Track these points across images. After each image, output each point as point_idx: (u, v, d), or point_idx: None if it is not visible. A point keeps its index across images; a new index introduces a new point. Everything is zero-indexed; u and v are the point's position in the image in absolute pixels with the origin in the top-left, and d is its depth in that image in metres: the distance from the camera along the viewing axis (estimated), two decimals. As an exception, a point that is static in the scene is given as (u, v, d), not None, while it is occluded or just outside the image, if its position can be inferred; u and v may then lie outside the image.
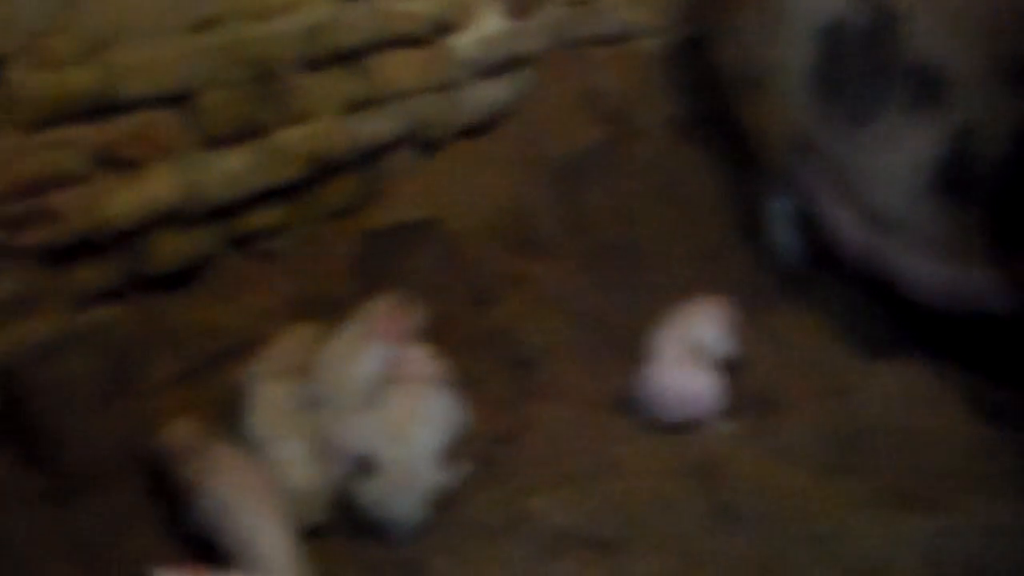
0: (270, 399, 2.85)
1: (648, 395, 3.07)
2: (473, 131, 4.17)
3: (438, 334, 3.30)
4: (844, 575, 2.49)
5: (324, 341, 3.11)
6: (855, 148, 3.26)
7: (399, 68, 3.89)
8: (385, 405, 2.87)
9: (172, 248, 3.35)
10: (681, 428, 3.02)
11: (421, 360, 3.03)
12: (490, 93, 4.22)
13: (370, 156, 3.86)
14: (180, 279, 3.41)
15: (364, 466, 2.70)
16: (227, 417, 2.89)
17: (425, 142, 4.03)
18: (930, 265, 3.16)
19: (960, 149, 2.92)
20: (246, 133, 3.48)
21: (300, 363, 3.00)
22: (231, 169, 3.44)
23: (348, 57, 3.73)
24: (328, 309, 3.34)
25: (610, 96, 4.28)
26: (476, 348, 3.27)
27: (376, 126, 3.85)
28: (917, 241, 3.17)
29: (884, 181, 3.19)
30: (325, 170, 3.72)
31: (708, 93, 4.25)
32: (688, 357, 3.11)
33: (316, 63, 3.63)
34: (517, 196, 3.89)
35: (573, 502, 2.67)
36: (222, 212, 3.46)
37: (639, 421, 3.08)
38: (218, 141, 3.41)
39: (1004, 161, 2.78)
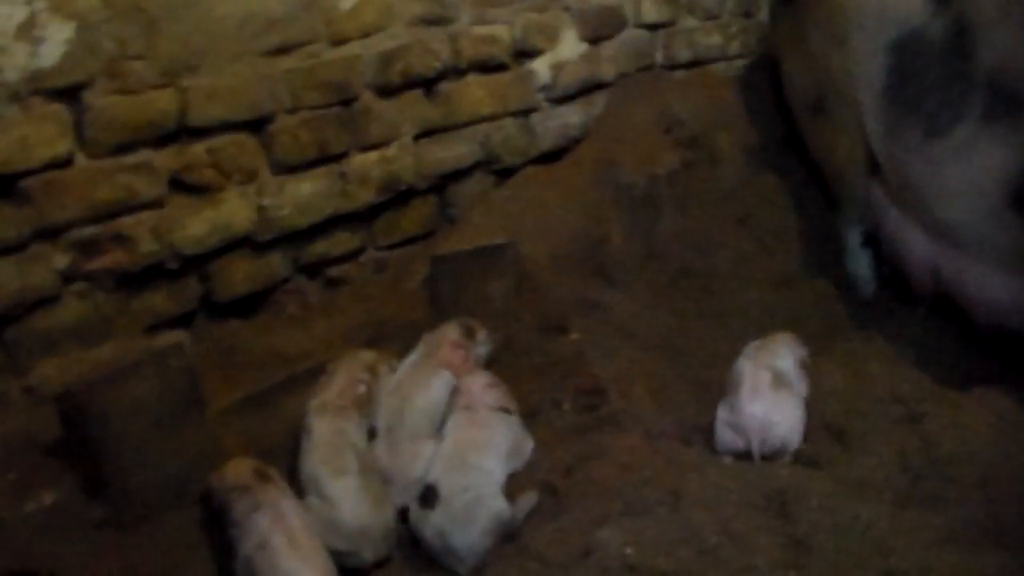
0: (327, 434, 2.83)
1: (738, 423, 2.97)
2: (548, 156, 4.16)
3: (508, 361, 3.29)
4: (920, 613, 2.42)
5: (386, 369, 3.10)
6: (928, 162, 3.19)
7: (476, 93, 3.90)
8: (449, 434, 2.85)
9: (243, 274, 3.37)
10: (752, 459, 2.96)
11: (486, 388, 2.99)
12: (566, 118, 4.20)
13: (444, 181, 3.87)
14: (250, 305, 3.43)
15: (427, 496, 2.67)
16: (291, 449, 2.90)
17: (500, 168, 4.02)
18: (1003, 280, 3.08)
19: None
20: (321, 158, 3.50)
21: (362, 394, 2.98)
22: (305, 194, 3.46)
23: (425, 82, 3.74)
24: (399, 336, 3.34)
25: (686, 122, 4.25)
26: (545, 376, 3.22)
27: (451, 151, 3.85)
28: (990, 256, 3.10)
29: (958, 195, 3.12)
30: (399, 195, 3.72)
31: (784, 118, 4.19)
32: (777, 387, 3.05)
33: (392, 88, 3.64)
34: (591, 223, 3.85)
35: (641, 533, 2.59)
36: (294, 237, 3.48)
37: (710, 452, 3.02)
38: (293, 166, 3.43)
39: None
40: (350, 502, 2.68)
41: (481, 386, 2.99)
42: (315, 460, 2.77)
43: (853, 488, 2.81)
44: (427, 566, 2.68)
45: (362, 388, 2.99)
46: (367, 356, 3.12)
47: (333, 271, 3.62)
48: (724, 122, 4.30)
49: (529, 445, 2.93)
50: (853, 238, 3.86)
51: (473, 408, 2.91)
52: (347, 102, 3.53)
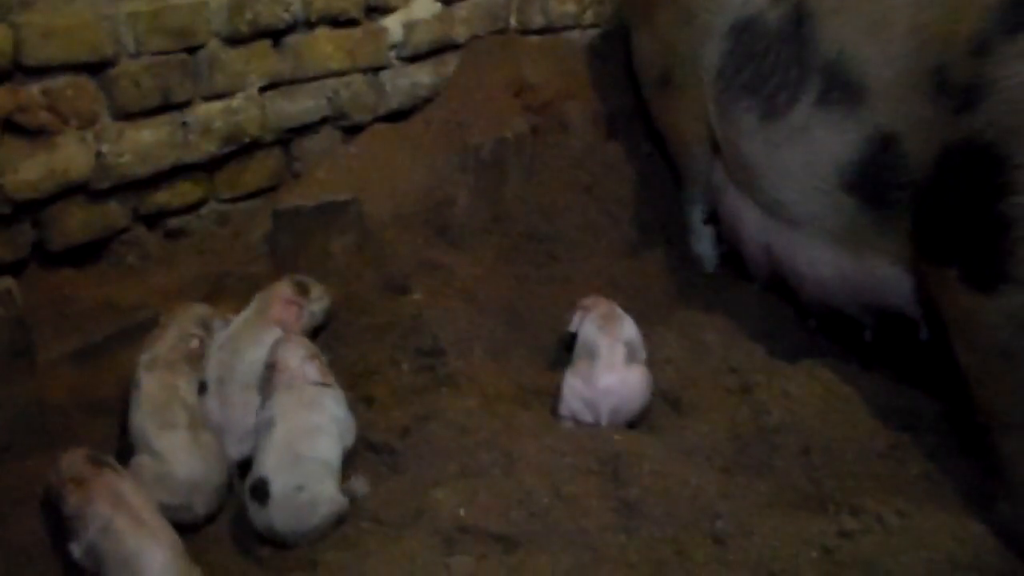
0: (155, 389, 2.78)
1: (591, 398, 3.00)
2: (397, 115, 4.13)
3: (347, 319, 3.28)
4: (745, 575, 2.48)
5: (220, 324, 3.06)
6: (764, 143, 3.26)
7: (326, 47, 3.84)
8: (276, 421, 2.71)
9: (79, 221, 3.28)
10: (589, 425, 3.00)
11: (304, 361, 2.87)
12: (416, 77, 4.18)
13: (290, 135, 3.81)
14: (86, 254, 3.33)
15: (258, 491, 2.58)
16: (123, 402, 2.83)
17: (347, 124, 3.98)
18: (831, 257, 3.18)
19: (878, 153, 2.93)
20: (163, 106, 3.41)
21: (194, 349, 2.92)
22: (146, 142, 3.37)
23: (274, 33, 3.67)
24: (238, 290, 3.29)
25: (537, 87, 4.25)
26: (385, 335, 3.21)
27: (298, 105, 3.80)
28: (820, 234, 3.18)
29: (792, 175, 3.19)
30: (243, 148, 3.66)
31: (634, 90, 4.24)
32: (630, 362, 3.08)
33: (240, 38, 3.56)
34: (437, 184, 3.84)
35: (476, 496, 2.62)
36: (134, 186, 3.39)
37: (547, 415, 3.06)
38: (134, 113, 3.34)
39: (927, 174, 2.80)
40: (179, 456, 2.64)
41: (299, 360, 2.87)
42: (143, 415, 2.72)
43: (684, 454, 2.87)
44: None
45: (195, 343, 2.94)
46: (201, 310, 3.07)
47: (173, 222, 3.54)
48: (574, 90, 4.31)
49: (352, 421, 2.85)
50: (696, 215, 3.93)
51: (296, 387, 2.81)
52: (192, 49, 3.45)
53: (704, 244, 3.95)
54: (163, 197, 3.49)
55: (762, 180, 3.31)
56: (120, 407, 2.85)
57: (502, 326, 3.43)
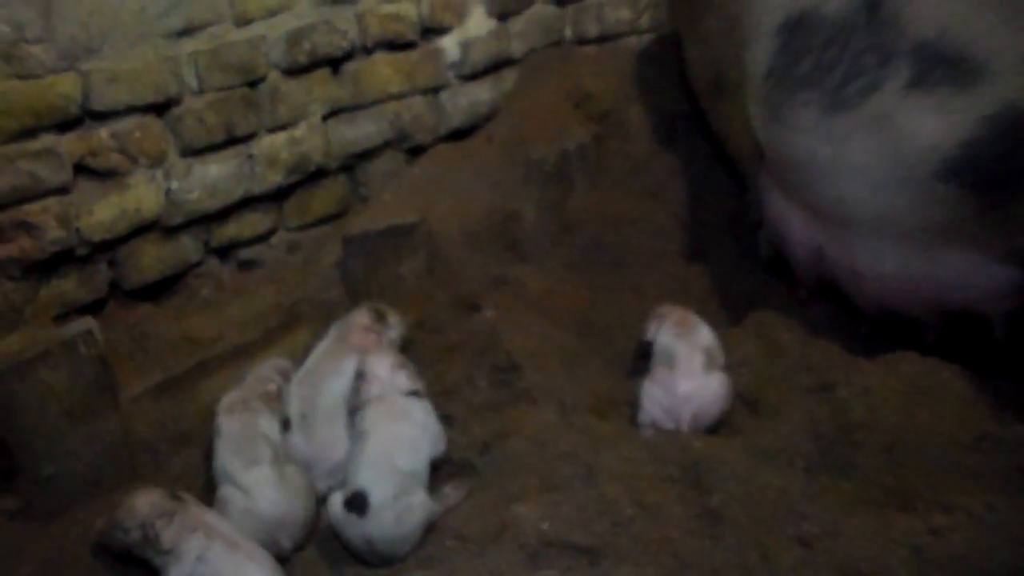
0: (236, 429, 2.80)
1: (671, 405, 3.01)
2: (459, 133, 4.16)
3: (422, 340, 3.30)
4: (832, 578, 2.47)
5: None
6: (826, 139, 3.15)
7: (384, 71, 3.88)
8: (370, 433, 2.76)
9: (153, 258, 3.34)
10: (667, 432, 2.99)
11: (394, 371, 2.92)
12: (476, 95, 4.20)
13: (355, 161, 3.85)
14: (161, 290, 3.40)
15: (357, 503, 2.61)
16: (205, 435, 2.89)
17: (410, 146, 4.01)
18: (903, 256, 3.11)
19: (1003, 133, 2.79)
20: (228, 140, 3.46)
21: (271, 391, 2.96)
22: (213, 177, 3.43)
23: (332, 61, 3.71)
24: (312, 317, 3.34)
25: (596, 96, 4.26)
26: (460, 353, 3.23)
27: (360, 131, 3.84)
28: (889, 232, 3.10)
29: (863, 168, 3.08)
30: (309, 176, 3.70)
31: (691, 92, 4.22)
32: (710, 369, 3.08)
33: (299, 68, 3.61)
34: (502, 199, 3.86)
35: (557, 509, 2.62)
36: (204, 220, 3.45)
37: (625, 425, 3.06)
38: (200, 149, 3.40)
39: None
40: (265, 491, 2.67)
41: (388, 369, 2.92)
42: (227, 454, 2.75)
43: (766, 457, 2.86)
44: (345, 554, 2.68)
45: (272, 386, 2.98)
46: (279, 361, 3.12)
47: (245, 253, 3.60)
48: (634, 96, 4.31)
49: (441, 429, 2.88)
50: (758, 212, 3.88)
51: (386, 397, 2.85)
52: (254, 83, 3.50)
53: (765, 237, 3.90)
54: (233, 229, 3.54)
55: (819, 178, 3.23)
56: (203, 438, 2.90)
57: (575, 337, 3.44)
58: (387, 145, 3.93)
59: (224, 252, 3.54)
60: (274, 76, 3.55)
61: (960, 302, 3.06)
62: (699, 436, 2.96)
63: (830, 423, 2.98)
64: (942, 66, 2.87)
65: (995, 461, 2.80)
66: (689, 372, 3.04)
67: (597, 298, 3.68)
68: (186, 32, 3.32)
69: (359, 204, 3.86)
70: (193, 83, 3.36)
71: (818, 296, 3.57)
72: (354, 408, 2.87)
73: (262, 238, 3.64)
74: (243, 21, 3.46)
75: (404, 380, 2.91)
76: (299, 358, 3.15)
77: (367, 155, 3.88)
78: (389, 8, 3.84)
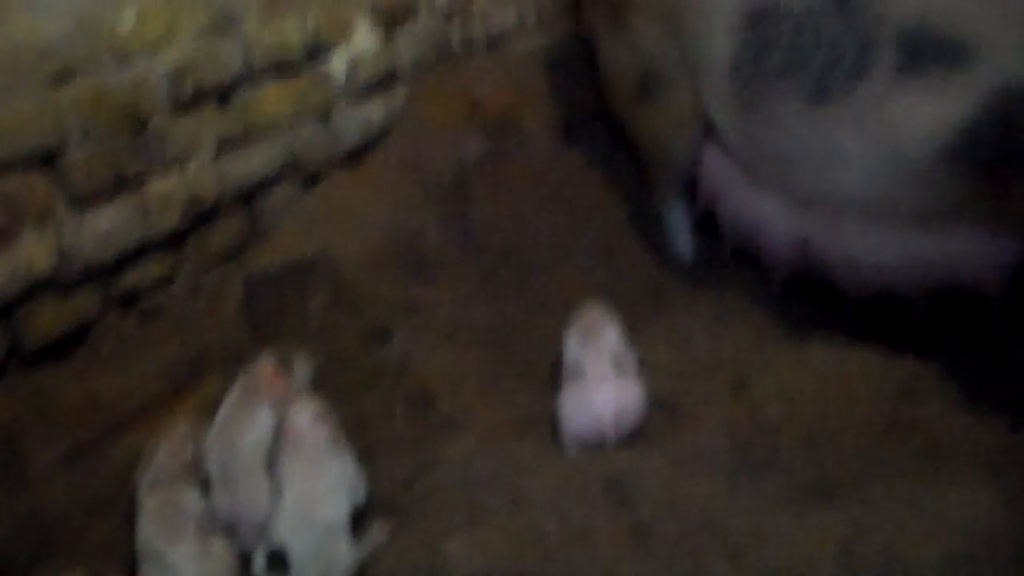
0: (158, 507, 2.73)
1: (589, 412, 2.98)
2: (353, 156, 4.10)
3: (332, 376, 3.24)
4: (765, 581, 2.48)
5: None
6: (811, 127, 3.11)
7: (273, 98, 3.80)
8: (287, 485, 2.73)
9: (50, 317, 3.24)
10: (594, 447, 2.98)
11: (314, 423, 2.87)
12: (367, 113, 4.14)
13: (250, 194, 3.78)
14: (63, 349, 3.29)
15: (276, 562, 2.59)
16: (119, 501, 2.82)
17: (306, 174, 3.95)
18: (900, 241, 3.10)
19: (1003, 109, 2.78)
20: (118, 187, 3.36)
21: (188, 460, 2.89)
22: (105, 227, 3.33)
23: (219, 94, 3.63)
24: (220, 364, 3.26)
25: (487, 105, 4.22)
26: (373, 386, 3.20)
27: (253, 162, 3.75)
28: (885, 217, 3.09)
29: (858, 156, 3.05)
30: (204, 215, 3.63)
31: (589, 93, 4.20)
32: (619, 372, 3.06)
33: (185, 103, 3.52)
34: (403, 219, 3.82)
35: (487, 542, 2.61)
36: (100, 272, 3.36)
37: (547, 444, 3.04)
38: (89, 199, 3.29)
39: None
40: (190, 568, 2.61)
41: (308, 421, 2.87)
42: (149, 533, 2.68)
43: (688, 464, 2.86)
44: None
45: (186, 456, 2.90)
46: (183, 428, 3.02)
47: (146, 303, 3.49)
48: (527, 103, 4.29)
49: (361, 477, 2.83)
50: (674, 216, 3.90)
51: (302, 449, 2.81)
52: (140, 125, 3.41)
53: (683, 240, 3.92)
54: (132, 278, 3.44)
55: (807, 169, 3.19)
56: (118, 504, 2.83)
57: (489, 358, 3.41)
58: (282, 175, 3.86)
59: (125, 303, 3.44)
60: (160, 115, 3.46)
61: (960, 281, 3.08)
62: (620, 448, 2.95)
63: (747, 422, 3.01)
64: (931, 47, 2.87)
65: (908, 446, 2.86)
66: (601, 378, 3.03)
67: (507, 313, 3.64)
68: (65, 77, 3.22)
69: (258, 240, 3.78)
70: (76, 131, 3.26)
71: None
72: (272, 460, 2.82)
73: (162, 285, 3.55)
74: (123, 61, 3.36)
75: (323, 431, 2.86)
76: (211, 407, 3.07)
77: (262, 187, 3.79)
78: (274, 31, 3.77)
